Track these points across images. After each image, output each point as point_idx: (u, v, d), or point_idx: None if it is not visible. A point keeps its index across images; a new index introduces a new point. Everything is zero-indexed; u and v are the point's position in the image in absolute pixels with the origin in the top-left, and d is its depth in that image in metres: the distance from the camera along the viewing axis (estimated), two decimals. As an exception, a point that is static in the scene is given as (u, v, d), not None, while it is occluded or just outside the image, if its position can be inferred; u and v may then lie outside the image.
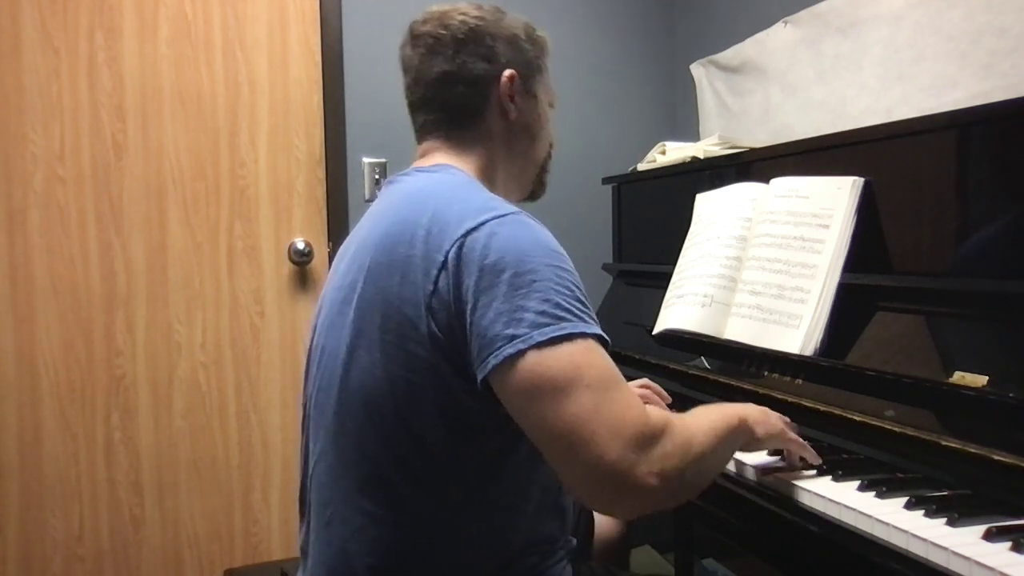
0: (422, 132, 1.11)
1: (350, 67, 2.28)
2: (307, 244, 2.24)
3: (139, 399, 2.11)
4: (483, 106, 1.07)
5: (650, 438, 0.82)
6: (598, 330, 0.87)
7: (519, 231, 0.89)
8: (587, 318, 0.87)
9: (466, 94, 1.06)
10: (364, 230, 1.04)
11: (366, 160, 2.31)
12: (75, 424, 2.06)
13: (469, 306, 0.86)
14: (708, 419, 0.93)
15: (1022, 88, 1.41)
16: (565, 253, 0.91)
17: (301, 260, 2.24)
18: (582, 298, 0.88)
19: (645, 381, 1.39)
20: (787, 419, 1.08)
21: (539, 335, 0.82)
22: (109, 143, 2.07)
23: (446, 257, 0.88)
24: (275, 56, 2.21)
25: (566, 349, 0.83)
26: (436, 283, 0.88)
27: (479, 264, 0.86)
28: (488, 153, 1.08)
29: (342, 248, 1.11)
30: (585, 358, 0.83)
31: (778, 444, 1.04)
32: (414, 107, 1.11)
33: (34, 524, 2.03)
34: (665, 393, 1.39)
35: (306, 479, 1.06)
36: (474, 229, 0.88)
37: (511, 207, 0.93)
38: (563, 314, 0.84)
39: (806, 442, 1.06)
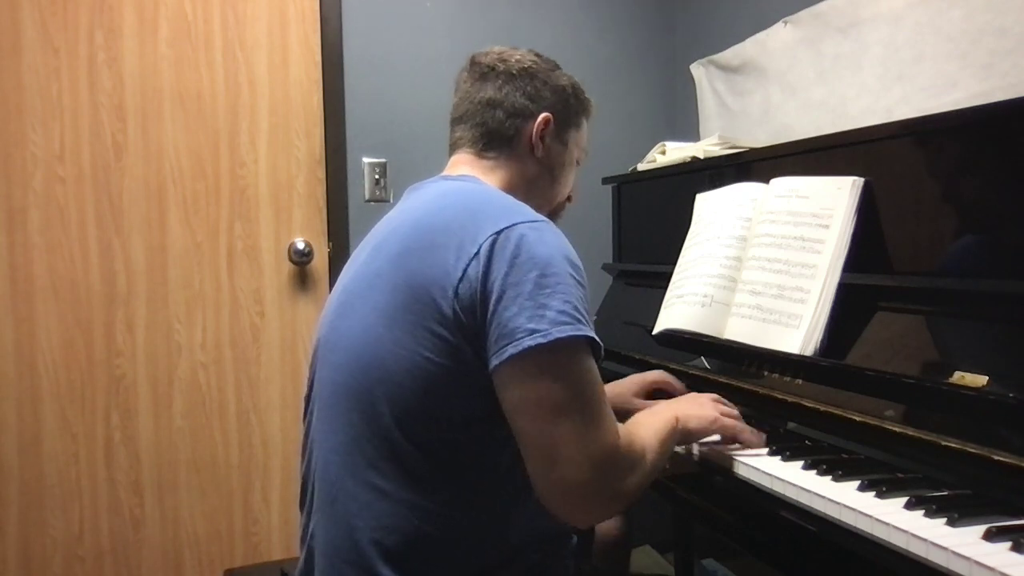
0: (456, 145, 1.19)
1: (350, 67, 2.28)
2: (307, 244, 2.24)
3: (139, 399, 2.11)
4: (515, 136, 1.16)
5: (617, 461, 0.93)
6: (598, 339, 0.95)
7: (548, 238, 0.96)
8: (592, 328, 0.95)
9: (503, 121, 1.15)
10: (392, 224, 1.08)
11: (366, 160, 2.31)
12: (75, 424, 2.06)
13: (495, 296, 0.92)
14: (653, 428, 1.03)
15: (1022, 88, 1.41)
16: (582, 267, 0.99)
17: (301, 260, 2.24)
18: (589, 312, 0.97)
19: (662, 372, 1.44)
20: (721, 400, 1.18)
21: (558, 332, 0.89)
22: (109, 143, 2.07)
23: (479, 248, 0.94)
24: (275, 56, 2.21)
25: (575, 364, 0.92)
26: (466, 270, 0.93)
27: (510, 260, 0.92)
28: (511, 179, 1.16)
29: (359, 247, 1.16)
30: (586, 379, 0.92)
31: (713, 432, 1.14)
32: (455, 122, 1.20)
33: (34, 524, 2.03)
34: (680, 384, 1.43)
35: (310, 463, 1.07)
36: (509, 227, 0.95)
37: (542, 216, 1.00)
38: (579, 317, 0.93)
39: (743, 425, 1.14)
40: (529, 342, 0.89)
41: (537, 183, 1.19)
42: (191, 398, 2.16)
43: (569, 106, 1.22)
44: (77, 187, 2.05)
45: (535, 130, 1.16)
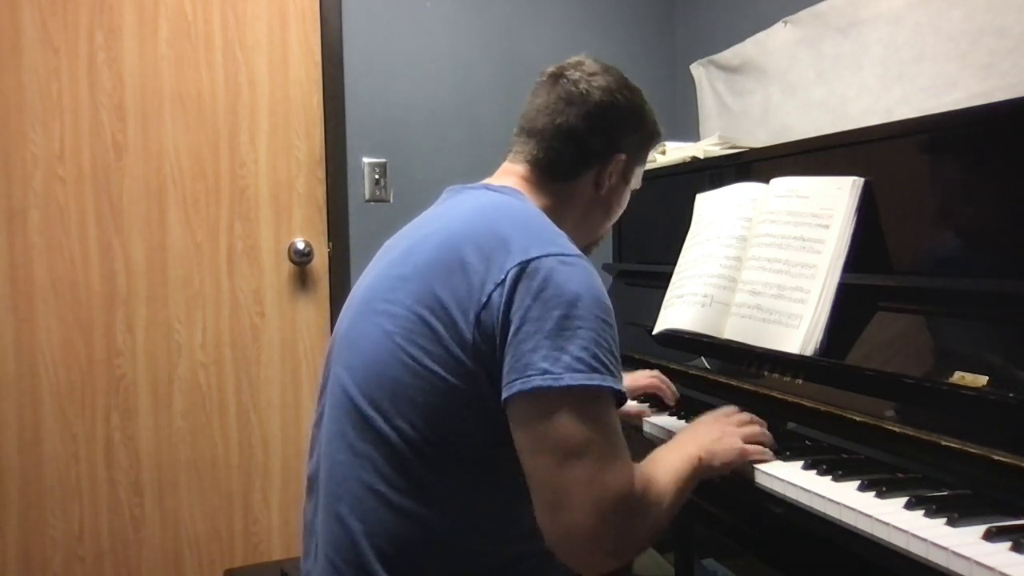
0: (517, 154, 1.13)
1: (350, 67, 2.28)
2: (307, 244, 2.24)
3: (139, 399, 2.11)
4: (583, 172, 1.12)
5: (630, 507, 0.88)
6: (622, 387, 0.91)
7: (579, 275, 0.92)
8: (616, 373, 0.91)
9: (576, 155, 1.11)
10: (425, 229, 1.06)
11: (366, 160, 2.31)
12: (75, 424, 2.06)
13: (513, 327, 0.89)
14: (673, 469, 0.97)
15: (1022, 88, 1.41)
16: (611, 307, 0.94)
17: (301, 260, 2.24)
18: (616, 354, 0.93)
19: (656, 373, 1.45)
20: (742, 428, 1.09)
21: (570, 378, 0.87)
22: (109, 143, 2.07)
23: (506, 275, 0.91)
24: (275, 56, 2.21)
25: (590, 409, 0.88)
26: (490, 296, 0.91)
27: (535, 293, 0.89)
28: (561, 206, 1.11)
29: (386, 245, 1.13)
30: (601, 422, 0.89)
31: (739, 463, 1.05)
32: (525, 131, 1.13)
33: (34, 524, 2.03)
34: (674, 388, 1.44)
35: (318, 457, 1.07)
36: (539, 258, 0.91)
37: (576, 250, 0.96)
38: (597, 366, 0.89)
39: (769, 443, 1.09)
40: (539, 381, 0.86)
41: (591, 216, 1.16)
42: (191, 398, 2.16)
43: (643, 146, 1.18)
44: (77, 187, 2.05)
45: (607, 170, 1.13)
